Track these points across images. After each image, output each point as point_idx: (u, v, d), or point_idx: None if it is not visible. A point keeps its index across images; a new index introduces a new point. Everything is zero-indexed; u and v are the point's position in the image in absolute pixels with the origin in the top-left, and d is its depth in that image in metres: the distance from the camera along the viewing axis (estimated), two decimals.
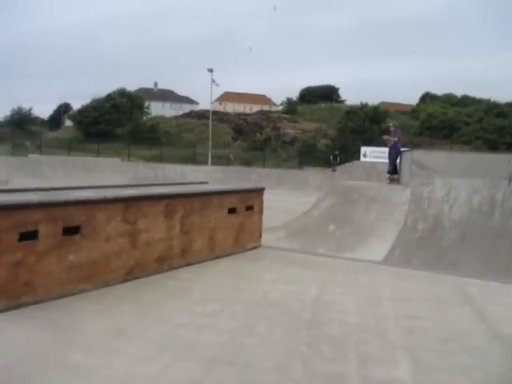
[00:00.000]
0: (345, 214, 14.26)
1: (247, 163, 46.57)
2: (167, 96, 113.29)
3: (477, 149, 46.42)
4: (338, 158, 39.24)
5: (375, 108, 65.75)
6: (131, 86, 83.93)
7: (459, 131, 62.74)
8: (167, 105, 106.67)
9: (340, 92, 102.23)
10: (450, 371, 2.97)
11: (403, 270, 6.38)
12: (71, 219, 4.06)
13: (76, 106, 74.96)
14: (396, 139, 17.00)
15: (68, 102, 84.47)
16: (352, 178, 24.16)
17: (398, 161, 17.25)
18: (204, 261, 5.54)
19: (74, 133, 61.67)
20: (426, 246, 11.78)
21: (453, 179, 13.48)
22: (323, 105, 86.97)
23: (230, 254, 6.01)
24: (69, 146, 47.72)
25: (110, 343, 3.15)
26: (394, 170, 16.88)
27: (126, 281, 4.51)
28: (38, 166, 32.18)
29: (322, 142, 58.86)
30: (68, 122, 72.75)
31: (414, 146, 31.99)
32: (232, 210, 6.17)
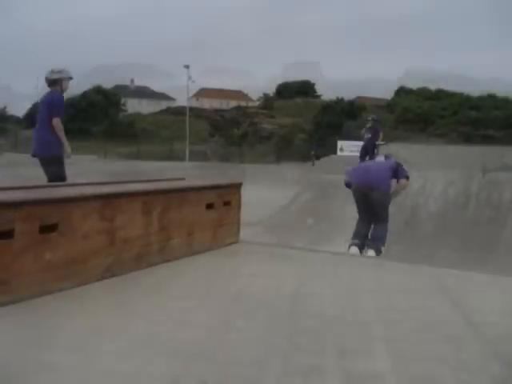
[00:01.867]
0: (323, 207, 14.34)
1: (225, 159, 46.48)
2: (144, 93, 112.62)
3: (452, 141, 46.97)
4: (313, 156, 39.45)
5: (351, 103, 66.22)
6: (107, 84, 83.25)
7: (434, 124, 63.45)
8: (144, 101, 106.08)
9: (316, 88, 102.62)
10: (428, 361, 2.99)
11: (382, 261, 6.43)
12: (48, 217, 4.00)
13: None
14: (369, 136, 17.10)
15: None
16: (329, 172, 24.20)
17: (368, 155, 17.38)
18: (182, 257, 5.51)
19: None
20: (404, 239, 11.90)
21: (428, 172, 13.61)
22: (300, 100, 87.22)
23: (208, 250, 5.98)
24: None
25: (88, 341, 3.11)
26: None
27: (104, 278, 4.46)
28: (12, 165, 31.72)
29: (299, 137, 58.98)
30: None
31: (390, 139, 32.29)
32: (210, 206, 6.13)
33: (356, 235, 8.73)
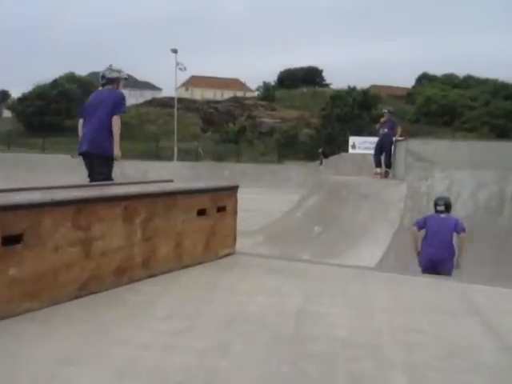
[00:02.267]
0: (332, 213, 14.34)
1: (219, 158, 46.59)
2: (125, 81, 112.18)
3: (483, 136, 46.90)
4: (321, 154, 39.46)
5: (365, 92, 66.20)
6: (81, 70, 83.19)
7: (462, 117, 63.40)
8: (125, 91, 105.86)
9: (324, 75, 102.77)
10: None
11: (400, 276, 6.43)
12: (12, 227, 3.98)
13: (15, 93, 74.07)
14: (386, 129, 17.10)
15: (5, 89, 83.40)
16: (339, 172, 24.33)
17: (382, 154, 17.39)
18: (170, 271, 5.52)
19: (14, 125, 60.82)
20: None
21: (455, 172, 13.62)
22: (305, 89, 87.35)
23: (200, 263, 6.00)
24: (8, 141, 47.01)
25: (59, 371, 3.09)
26: (389, 163, 17.05)
27: (78, 297, 4.46)
28: None
29: (305, 133, 59.14)
30: (6, 113, 71.75)
31: (410, 134, 32.33)
32: (201, 212, 6.14)
33: None
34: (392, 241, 12.20)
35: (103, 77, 8.46)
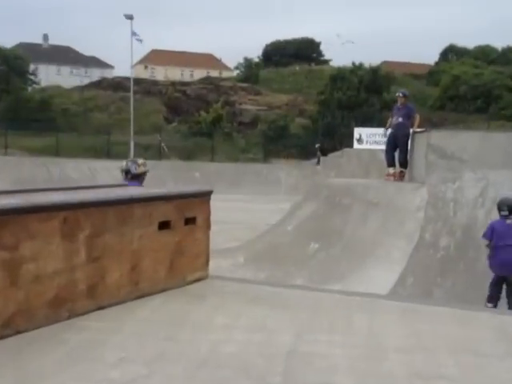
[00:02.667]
0: (332, 226, 14.36)
1: (188, 156, 46.55)
2: (64, 56, 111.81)
3: None
4: (318, 150, 39.46)
5: (374, 71, 66.36)
6: (7, 41, 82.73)
7: (500, 101, 63.55)
8: (65, 69, 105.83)
9: (322, 49, 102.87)
10: None
11: (419, 306, 6.43)
12: None
13: None
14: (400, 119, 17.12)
15: None
16: (342, 173, 24.31)
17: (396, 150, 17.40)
18: (124, 301, 5.50)
19: None
20: (454, 271, 11.93)
21: (491, 172, 13.64)
22: (298, 68, 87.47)
23: (162, 290, 6.00)
24: None
25: None
26: (405, 161, 17.02)
27: (1, 337, 4.42)
28: None
29: (298, 123, 59.30)
30: None
31: (433, 124, 32.45)
32: (165, 225, 6.15)
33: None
34: (409, 261, 12.20)
35: (128, 172, 8.87)
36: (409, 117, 17.09)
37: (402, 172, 17.03)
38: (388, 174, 17.29)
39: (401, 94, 17.85)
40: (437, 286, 9.82)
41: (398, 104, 17.50)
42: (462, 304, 6.83)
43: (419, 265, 12.01)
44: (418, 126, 17.28)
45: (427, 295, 8.52)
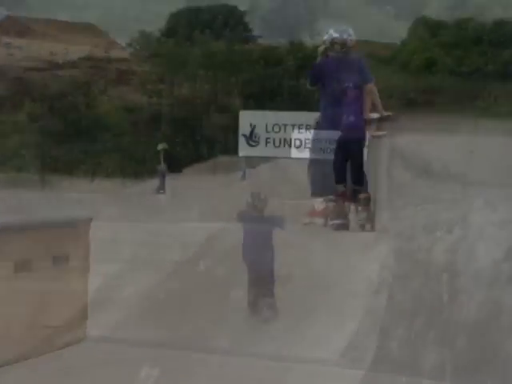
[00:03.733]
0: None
1: (55, 168, 43.41)
2: None
3: None
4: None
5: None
6: None
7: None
8: None
9: (249, 20, 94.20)
10: None
11: None
12: None
13: None
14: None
15: None
16: (275, 192, 18.23)
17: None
18: None
19: None
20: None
21: (489, 191, 10.48)
22: (216, 44, 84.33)
23: (16, 361, 5.04)
24: None
25: None
26: (341, 179, 10.79)
27: None
28: None
29: (212, 118, 58.27)
30: None
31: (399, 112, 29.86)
32: (23, 266, 5.21)
33: None
34: None
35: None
36: (361, 81, 10.67)
37: (360, 197, 10.06)
38: (312, 212, 10.44)
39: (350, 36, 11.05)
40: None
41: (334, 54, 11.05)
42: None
43: None
44: (380, 110, 10.56)
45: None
